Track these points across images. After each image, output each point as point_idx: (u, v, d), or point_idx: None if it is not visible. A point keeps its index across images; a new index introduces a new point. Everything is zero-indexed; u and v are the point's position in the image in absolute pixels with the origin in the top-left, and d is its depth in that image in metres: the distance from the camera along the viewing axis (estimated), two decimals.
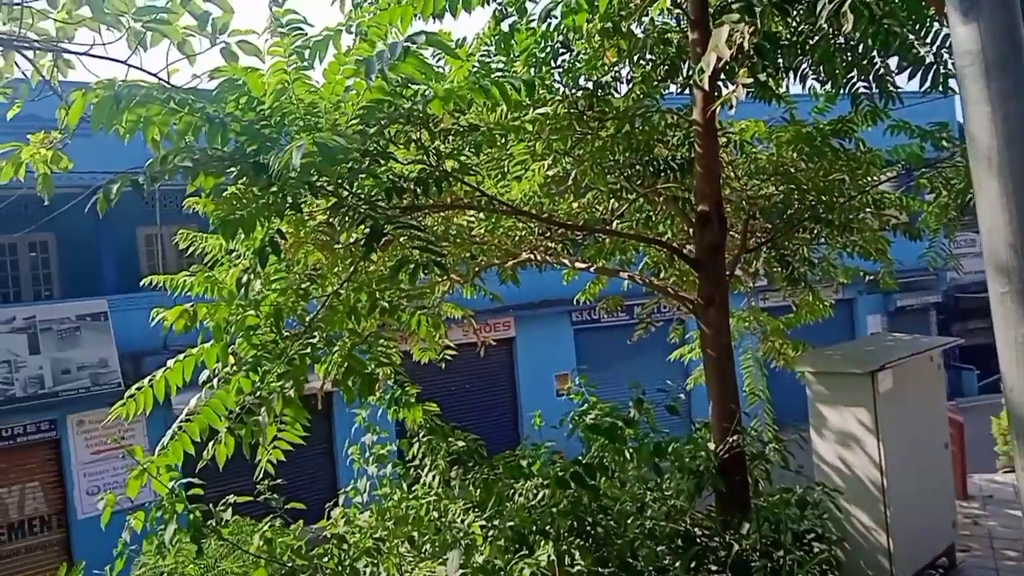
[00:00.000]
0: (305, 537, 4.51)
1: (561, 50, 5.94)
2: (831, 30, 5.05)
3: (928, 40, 4.99)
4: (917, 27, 4.96)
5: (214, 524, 4.07)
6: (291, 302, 4.15)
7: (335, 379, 4.02)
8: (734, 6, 4.52)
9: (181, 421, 3.72)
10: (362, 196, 4.06)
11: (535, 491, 4.55)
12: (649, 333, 8.44)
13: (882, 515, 5.58)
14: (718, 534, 4.74)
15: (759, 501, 5.15)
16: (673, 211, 6.57)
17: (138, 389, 3.86)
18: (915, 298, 18.97)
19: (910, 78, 4.91)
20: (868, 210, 7.12)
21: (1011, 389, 2.10)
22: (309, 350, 3.92)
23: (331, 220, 4.01)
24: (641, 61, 6.16)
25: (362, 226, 3.74)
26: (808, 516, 5.03)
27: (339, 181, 3.93)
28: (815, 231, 7.12)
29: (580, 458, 4.56)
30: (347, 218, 3.79)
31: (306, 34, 3.90)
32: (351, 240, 4.26)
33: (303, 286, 4.24)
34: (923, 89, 5.04)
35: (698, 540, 4.68)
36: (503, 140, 5.25)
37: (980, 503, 8.42)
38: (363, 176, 4.05)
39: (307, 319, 4.27)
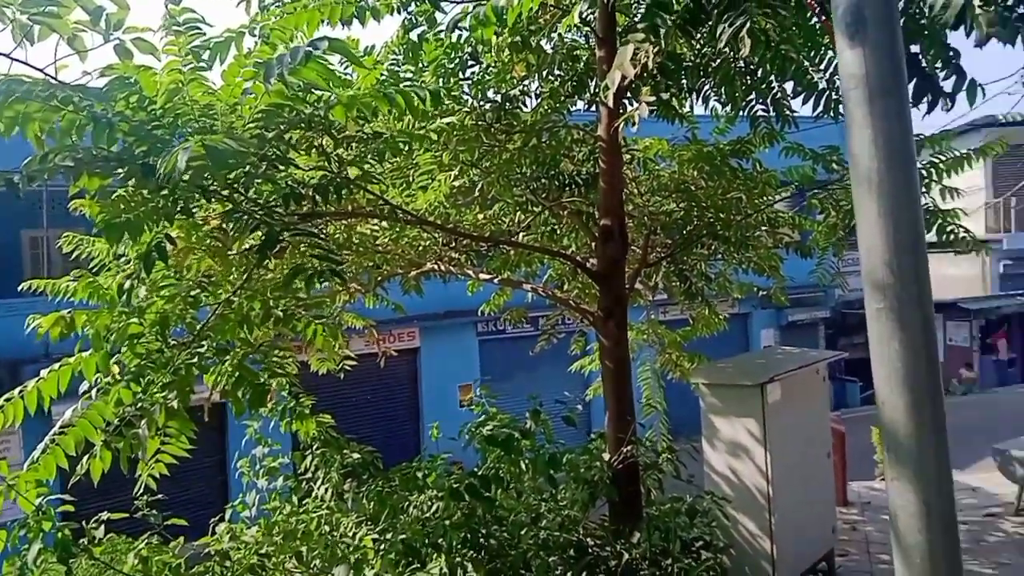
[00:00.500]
0: (186, 555, 4.34)
1: (470, 62, 5.96)
2: (731, 54, 5.24)
3: (822, 67, 5.25)
4: (812, 54, 5.20)
5: (85, 543, 3.87)
6: (179, 310, 3.99)
7: (224, 390, 3.89)
8: (639, 26, 4.64)
9: (54, 434, 3.53)
10: (259, 202, 3.96)
11: (430, 503, 4.52)
12: (552, 344, 8.53)
13: (767, 522, 5.80)
14: (610, 543, 4.82)
15: (651, 510, 5.27)
16: (577, 225, 6.68)
17: (7, 400, 3.64)
18: (805, 313, 19.82)
19: (804, 103, 5.16)
20: (763, 228, 7.40)
21: (883, 403, 2.20)
22: (197, 359, 3.78)
23: (224, 226, 3.88)
24: (550, 76, 6.24)
25: (257, 232, 3.65)
26: (697, 524, 5.17)
27: (234, 185, 3.82)
28: (713, 247, 7.36)
29: (476, 470, 4.56)
30: (241, 224, 3.68)
31: (204, 34, 3.78)
32: (246, 247, 4.14)
33: (193, 293, 4.09)
34: (816, 114, 5.31)
35: (590, 550, 4.75)
36: (408, 149, 5.22)
37: (859, 509, 8.86)
38: (260, 181, 3.96)
39: (197, 328, 4.12)
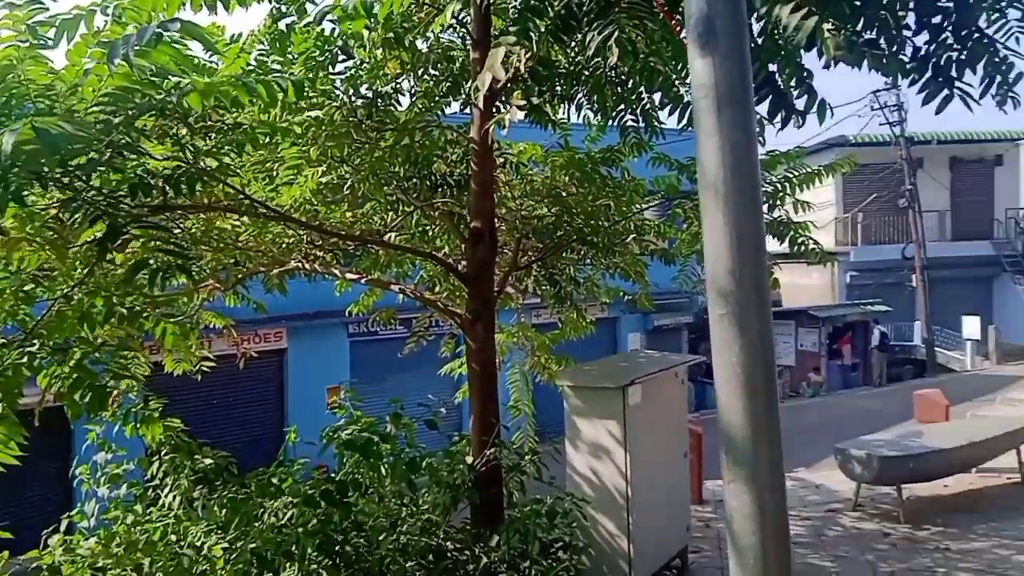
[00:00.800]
0: (10, 570, 3.99)
1: (341, 56, 5.81)
2: (604, 64, 5.34)
3: (688, 80, 5.41)
4: (679, 67, 5.37)
5: None
6: (9, 306, 3.68)
7: (59, 392, 3.61)
8: (511, 29, 4.66)
9: None
10: (103, 191, 3.71)
11: (285, 510, 4.36)
12: (421, 347, 8.46)
13: (625, 522, 5.95)
14: (469, 547, 4.81)
15: (513, 512, 5.30)
16: (448, 226, 6.65)
17: None
18: (670, 318, 20.58)
19: (670, 114, 5.32)
20: (631, 235, 7.61)
21: (722, 407, 2.27)
22: (27, 359, 3.49)
23: (61, 216, 3.61)
24: (425, 76, 6.19)
25: (98, 224, 3.41)
26: (558, 525, 5.24)
27: (75, 173, 3.56)
28: (582, 252, 7.50)
29: (333, 475, 4.44)
30: (80, 214, 3.43)
31: (47, 8, 3.50)
32: (88, 239, 3.87)
33: (27, 288, 3.78)
34: (681, 126, 5.49)
35: (449, 554, 4.72)
36: (270, 142, 5.03)
37: (713, 507, 9.25)
38: (105, 169, 3.70)
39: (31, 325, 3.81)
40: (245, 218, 5.75)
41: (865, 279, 26.44)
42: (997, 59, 3.86)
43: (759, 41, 4.17)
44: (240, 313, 6.98)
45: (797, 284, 25.35)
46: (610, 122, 6.17)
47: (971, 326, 24.23)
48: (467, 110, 6.50)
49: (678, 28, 2.23)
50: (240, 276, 6.25)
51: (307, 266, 6.32)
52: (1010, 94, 3.97)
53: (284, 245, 6.29)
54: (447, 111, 6.54)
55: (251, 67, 5.17)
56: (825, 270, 22.82)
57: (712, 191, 2.16)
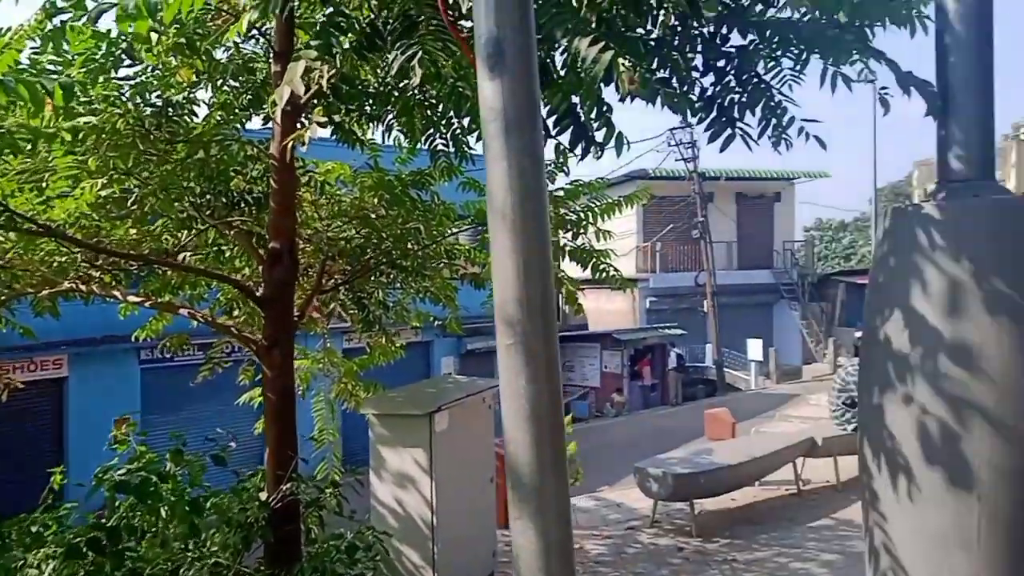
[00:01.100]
0: None
1: (125, 60, 5.35)
2: (410, 84, 5.27)
3: None
4: None
5: None
6: None
7: None
8: (312, 44, 4.48)
9: None
10: None
11: (47, 562, 3.85)
12: (217, 374, 7.92)
13: (430, 552, 5.84)
14: None
15: (312, 549, 5.02)
16: (244, 246, 6.27)
17: None
18: (483, 342, 20.78)
19: (478, 139, 5.34)
20: (442, 259, 7.57)
21: (508, 439, 2.22)
22: None
23: None
24: (225, 87, 5.84)
25: None
26: (360, 560, 5.02)
27: None
28: (391, 275, 7.37)
29: (103, 520, 3.99)
30: None
31: None
32: None
33: None
34: None
35: None
36: (33, 149, 4.51)
37: None
38: None
39: None
40: (11, 233, 5.13)
41: (663, 304, 28.23)
42: (773, 103, 4.17)
43: (562, 72, 4.28)
44: (9, 339, 6.21)
45: (602, 308, 26.55)
46: (421, 145, 6.12)
47: (755, 348, 26.48)
48: (268, 124, 6.21)
49: (469, 49, 2.19)
50: (2, 298, 5.54)
51: (83, 288, 5.73)
52: (784, 136, 4.31)
53: (56, 264, 5.66)
54: (249, 125, 6.23)
55: (21, 65, 4.64)
56: (627, 295, 24.08)
57: (500, 217, 2.11)
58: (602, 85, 4.00)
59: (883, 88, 3.85)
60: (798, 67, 4.11)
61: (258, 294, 5.78)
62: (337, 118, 5.52)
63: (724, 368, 26.62)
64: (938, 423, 3.05)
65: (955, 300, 3.00)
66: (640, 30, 4.11)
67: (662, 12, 3.94)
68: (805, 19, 3.90)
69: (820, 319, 30.62)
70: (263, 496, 4.96)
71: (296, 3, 5.29)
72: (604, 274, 7.48)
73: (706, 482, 9.04)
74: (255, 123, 6.40)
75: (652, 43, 4.06)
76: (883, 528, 3.29)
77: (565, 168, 6.97)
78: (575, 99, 4.39)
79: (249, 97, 5.95)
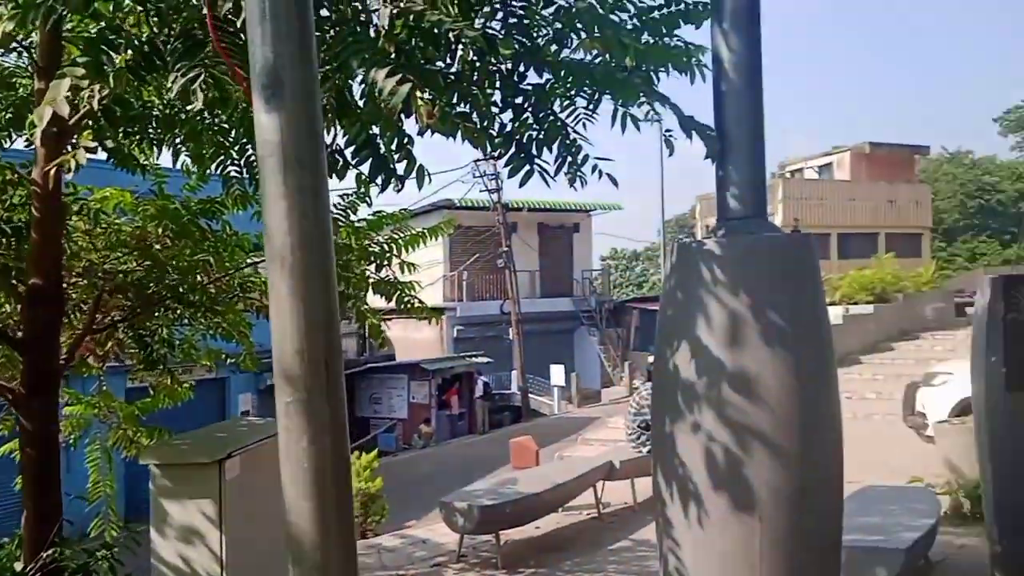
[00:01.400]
0: None
1: None
2: (199, 111, 4.94)
3: None
4: None
5: None
6: None
7: None
8: (79, 60, 4.07)
9: None
10: None
11: None
12: None
13: None
14: None
15: None
16: (1, 283, 5.57)
17: None
18: None
19: None
20: (235, 293, 7.15)
21: (290, 509, 1.97)
22: None
23: None
24: None
25: None
26: None
27: None
28: (178, 311, 6.87)
29: None
30: None
31: None
32: None
33: None
34: None
35: None
36: None
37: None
38: None
39: None
40: None
41: (470, 332, 28.56)
42: (568, 141, 4.29)
43: (360, 103, 4.17)
44: None
45: (410, 338, 26.38)
46: (212, 171, 5.76)
47: (557, 374, 27.39)
48: (31, 147, 5.59)
49: (243, 78, 2.02)
50: None
51: None
52: (579, 173, 4.44)
53: None
54: (8, 146, 5.61)
55: None
56: (435, 324, 24.10)
57: (279, 262, 1.94)
58: (403, 117, 3.94)
59: (668, 130, 4.07)
60: (591, 107, 4.26)
61: (17, 336, 5.14)
62: (111, 143, 5.07)
63: (529, 394, 27.27)
64: (723, 449, 3.20)
65: (735, 332, 3.18)
66: (440, 64, 4.09)
67: (460, 47, 3.94)
68: (597, 61, 4.04)
69: (616, 344, 32.30)
70: (18, 566, 4.35)
71: (65, 14, 4.81)
72: (409, 306, 7.39)
73: (512, 512, 9.08)
74: (18, 144, 5.79)
75: (452, 77, 4.05)
76: (676, 554, 3.41)
77: (367, 198, 6.83)
78: (375, 129, 4.30)
79: (9, 116, 5.39)
